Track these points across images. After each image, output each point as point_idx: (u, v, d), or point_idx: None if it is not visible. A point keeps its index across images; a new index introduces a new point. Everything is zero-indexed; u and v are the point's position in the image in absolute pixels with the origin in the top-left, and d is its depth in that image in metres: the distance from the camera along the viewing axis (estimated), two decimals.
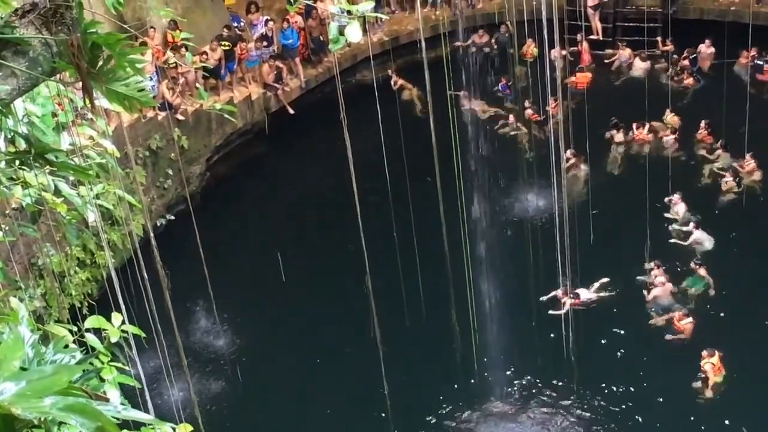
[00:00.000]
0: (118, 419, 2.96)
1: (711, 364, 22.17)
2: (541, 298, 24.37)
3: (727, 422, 21.62)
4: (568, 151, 27.69)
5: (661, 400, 22.19)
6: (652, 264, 25.38)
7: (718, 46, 33.34)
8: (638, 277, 25.38)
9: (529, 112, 32.24)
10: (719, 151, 29.96)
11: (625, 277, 25.40)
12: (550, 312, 23.82)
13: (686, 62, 34.48)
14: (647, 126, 31.07)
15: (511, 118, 32.49)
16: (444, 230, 21.11)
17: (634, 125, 31.23)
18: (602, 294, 24.25)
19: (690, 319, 23.76)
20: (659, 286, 24.88)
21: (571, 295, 23.80)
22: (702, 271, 25.09)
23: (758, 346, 23.11)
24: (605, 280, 24.33)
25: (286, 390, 23.14)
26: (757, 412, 21.66)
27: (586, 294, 24.10)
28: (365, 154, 22.14)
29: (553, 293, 24.20)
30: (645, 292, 24.95)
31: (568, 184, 23.02)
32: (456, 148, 20.85)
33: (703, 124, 30.66)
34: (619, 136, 31.59)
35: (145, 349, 16.50)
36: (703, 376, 22.22)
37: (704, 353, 22.40)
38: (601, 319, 24.03)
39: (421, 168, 22.31)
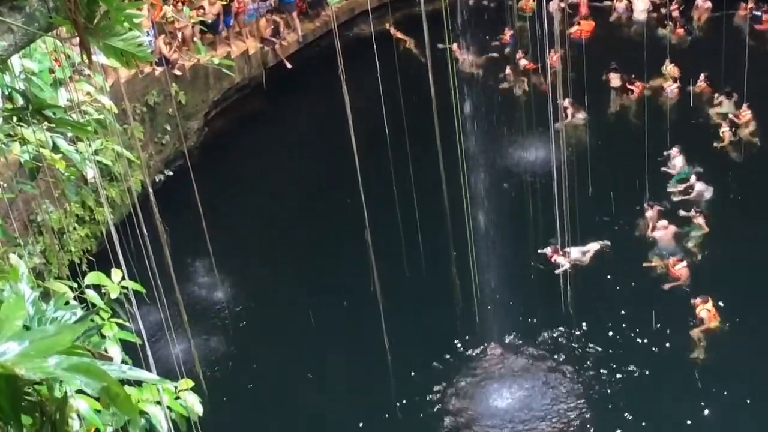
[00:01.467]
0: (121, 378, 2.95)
1: (706, 311, 22.31)
2: (539, 251, 24.41)
3: (725, 368, 21.75)
4: (566, 100, 27.91)
5: (660, 348, 22.27)
6: (645, 204, 25.63)
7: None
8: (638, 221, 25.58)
9: (523, 62, 32.22)
10: (723, 98, 29.93)
11: (622, 229, 25.46)
12: (556, 272, 23.79)
13: (676, 13, 34.37)
14: (641, 85, 30.94)
15: (508, 69, 32.41)
16: (443, 183, 21.11)
17: (631, 84, 31.18)
18: (592, 256, 24.08)
19: (684, 263, 23.85)
20: (662, 230, 24.98)
21: (562, 253, 23.80)
22: (700, 220, 25.16)
23: (753, 292, 23.26)
24: (605, 243, 24.11)
25: (287, 345, 23.18)
26: (754, 357, 21.76)
27: (576, 253, 23.97)
28: (364, 108, 22.07)
29: (544, 250, 24.22)
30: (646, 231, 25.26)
31: (567, 133, 22.95)
32: (456, 102, 20.80)
33: (702, 76, 30.59)
34: (616, 80, 31.64)
35: (145, 304, 16.52)
36: (699, 323, 22.33)
37: (697, 300, 22.57)
38: (600, 269, 24.06)
39: (420, 121, 22.28)
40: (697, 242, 25.10)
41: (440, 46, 22.71)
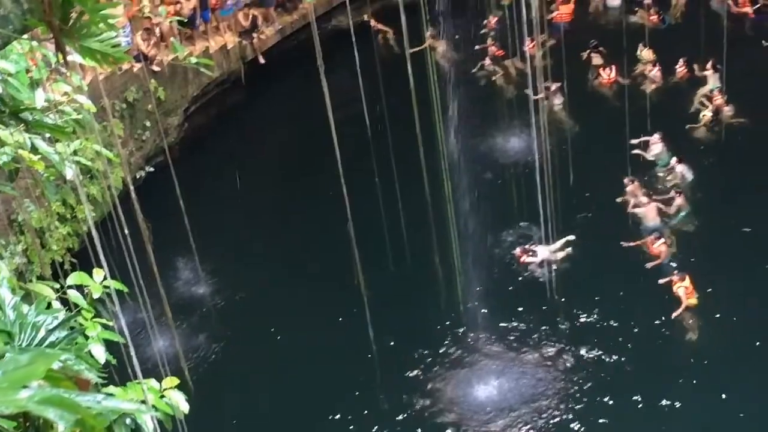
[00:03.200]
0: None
1: (683, 288, 22.53)
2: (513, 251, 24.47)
3: (705, 343, 21.97)
4: (546, 83, 28.03)
5: (641, 328, 22.38)
6: (626, 179, 25.84)
7: None
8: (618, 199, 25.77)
9: (492, 49, 32.42)
10: (708, 72, 30.06)
11: (604, 213, 25.55)
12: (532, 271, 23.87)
13: (649, 0, 34.47)
14: (612, 78, 31.10)
15: (487, 60, 32.51)
16: (425, 174, 21.12)
17: (603, 70, 31.35)
18: (563, 253, 24.06)
19: (662, 240, 24.00)
20: (644, 206, 25.12)
21: (530, 253, 23.83)
22: (680, 200, 25.31)
23: (729, 268, 23.44)
24: (570, 237, 24.08)
25: (271, 340, 23.18)
26: (732, 330, 21.98)
27: (544, 252, 23.98)
28: (344, 100, 22.05)
29: (512, 252, 24.27)
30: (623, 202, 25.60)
31: (547, 118, 22.89)
32: (435, 92, 20.80)
33: (681, 61, 30.71)
34: (597, 59, 31.84)
35: (129, 303, 16.51)
36: (677, 300, 22.58)
37: (674, 278, 22.79)
38: (583, 253, 24.11)
39: (400, 113, 22.28)
40: (679, 221, 25.23)
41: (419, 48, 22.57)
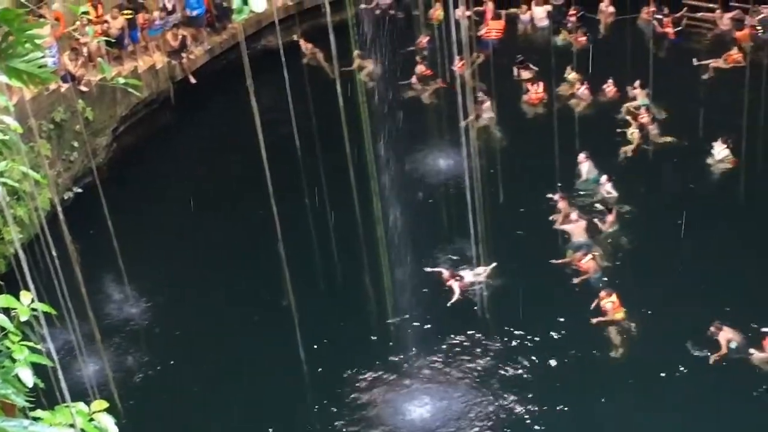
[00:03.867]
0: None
1: (611, 303, 22.84)
2: (425, 269, 24.45)
3: (631, 355, 22.24)
4: (480, 93, 29.44)
5: (570, 343, 22.51)
6: (556, 196, 26.17)
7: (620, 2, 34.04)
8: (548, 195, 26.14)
9: (421, 68, 32.63)
10: (637, 90, 30.54)
11: (534, 231, 25.74)
12: (449, 303, 23.92)
13: (573, 19, 34.87)
14: (539, 96, 31.44)
15: (414, 78, 32.70)
16: (355, 194, 21.16)
17: (531, 85, 31.68)
18: (487, 279, 24.14)
19: (589, 256, 24.29)
20: (572, 223, 25.39)
21: (457, 278, 23.91)
22: (610, 218, 25.62)
23: (656, 282, 23.74)
24: (493, 265, 24.05)
25: (201, 362, 23.01)
26: (657, 341, 22.28)
27: (470, 277, 24.04)
28: (273, 119, 22.02)
29: (437, 269, 24.28)
30: (554, 219, 25.79)
31: (477, 134, 23.03)
32: (364, 112, 20.87)
33: (610, 81, 31.07)
34: (526, 73, 32.24)
35: (57, 325, 16.34)
36: (604, 315, 22.84)
37: (602, 294, 23.06)
38: (512, 272, 24.25)
39: (330, 132, 22.33)
40: (609, 236, 25.55)
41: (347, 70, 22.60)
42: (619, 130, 29.49)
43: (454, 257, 24.84)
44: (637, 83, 30.46)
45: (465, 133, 18.82)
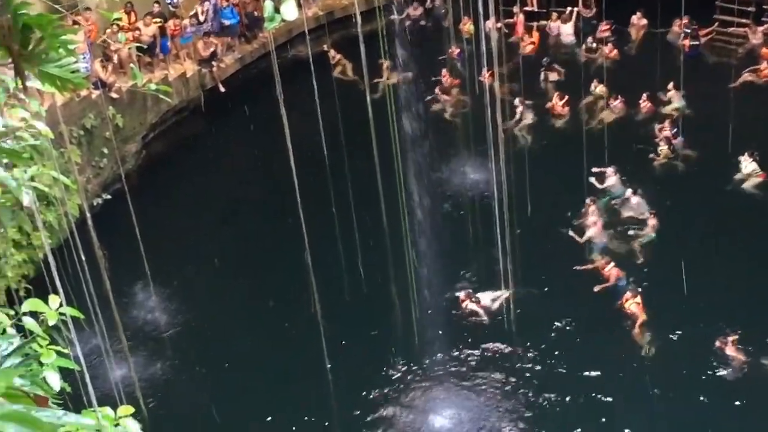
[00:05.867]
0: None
1: (636, 304, 22.99)
2: (445, 295, 24.44)
3: (657, 356, 22.33)
4: (517, 99, 30.11)
5: (595, 349, 22.64)
6: (588, 200, 26.33)
7: (652, 15, 33.94)
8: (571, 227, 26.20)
9: (448, 79, 32.66)
10: (671, 92, 30.52)
11: (559, 242, 25.72)
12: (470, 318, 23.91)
13: (606, 33, 34.80)
14: (562, 107, 31.45)
15: (438, 89, 32.75)
16: (383, 204, 21.13)
17: (556, 94, 31.68)
18: (503, 299, 24.03)
19: (612, 264, 24.38)
20: (592, 226, 25.42)
21: (473, 299, 23.85)
22: (652, 221, 25.85)
23: (681, 291, 23.55)
24: (510, 291, 23.86)
25: (227, 367, 23.08)
26: (681, 345, 22.43)
27: (486, 299, 24.02)
28: (302, 129, 22.04)
29: (457, 294, 24.24)
30: (575, 235, 25.82)
31: (509, 141, 22.98)
32: (392, 122, 20.85)
33: (644, 96, 30.98)
34: (553, 75, 32.31)
35: (84, 330, 16.41)
36: (630, 317, 23.06)
37: (627, 294, 23.24)
38: (538, 281, 24.26)
39: (358, 141, 22.33)
40: (641, 244, 25.64)
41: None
42: (642, 147, 29.42)
43: (480, 268, 24.79)
44: (670, 85, 30.50)
45: (492, 142, 18.74)
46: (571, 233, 25.75)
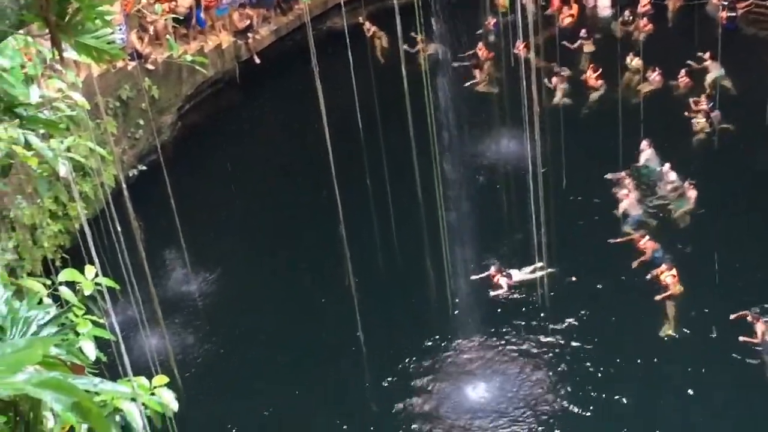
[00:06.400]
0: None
1: (672, 276, 22.97)
2: (472, 277, 24.32)
3: (691, 330, 22.28)
4: (553, 70, 30.20)
5: (629, 324, 22.57)
6: (623, 173, 26.27)
7: None
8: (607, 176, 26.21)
9: (484, 51, 32.54)
10: (708, 62, 30.34)
11: (594, 216, 25.64)
12: (495, 292, 23.82)
13: (647, 7, 34.48)
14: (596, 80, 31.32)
15: (473, 60, 32.69)
16: (417, 177, 21.13)
17: (592, 68, 31.54)
18: (536, 275, 23.95)
19: (647, 237, 24.31)
20: (624, 198, 25.38)
21: (504, 274, 23.75)
22: (692, 192, 25.72)
23: (715, 261, 23.45)
24: (540, 264, 23.78)
25: (261, 339, 23.15)
26: (714, 318, 22.31)
27: (518, 275, 23.93)
28: (337, 102, 22.07)
29: (486, 273, 24.11)
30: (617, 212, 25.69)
31: (540, 115, 22.89)
32: (427, 94, 20.80)
33: (683, 72, 30.72)
34: (589, 46, 32.42)
35: (119, 300, 16.53)
36: (664, 289, 22.97)
37: (663, 267, 23.20)
38: (573, 256, 24.18)
39: (393, 114, 22.30)
40: (678, 215, 25.62)
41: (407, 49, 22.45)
42: (683, 117, 29.23)
43: (514, 242, 24.74)
44: (707, 55, 30.25)
45: (527, 115, 18.67)
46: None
